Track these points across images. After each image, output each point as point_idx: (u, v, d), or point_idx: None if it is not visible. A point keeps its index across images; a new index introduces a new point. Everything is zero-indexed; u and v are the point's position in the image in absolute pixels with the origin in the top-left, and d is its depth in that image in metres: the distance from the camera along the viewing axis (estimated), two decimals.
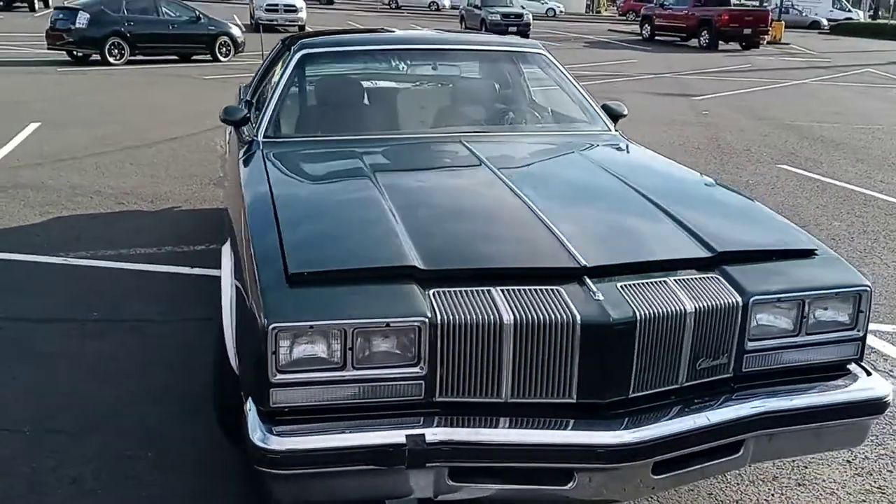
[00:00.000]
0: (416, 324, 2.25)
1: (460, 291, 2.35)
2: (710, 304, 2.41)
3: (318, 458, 2.22)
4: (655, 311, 2.34)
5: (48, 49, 17.46)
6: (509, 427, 2.29)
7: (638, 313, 2.31)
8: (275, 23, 25.94)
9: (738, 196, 3.31)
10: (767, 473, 3.11)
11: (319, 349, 2.25)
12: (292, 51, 4.18)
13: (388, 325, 2.25)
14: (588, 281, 2.41)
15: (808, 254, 2.71)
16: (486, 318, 2.27)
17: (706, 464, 2.45)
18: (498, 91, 4.47)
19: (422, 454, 2.23)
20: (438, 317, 2.26)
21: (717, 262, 2.58)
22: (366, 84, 4.46)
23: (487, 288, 2.36)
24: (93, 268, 5.17)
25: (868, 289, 2.58)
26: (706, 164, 8.71)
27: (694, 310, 2.38)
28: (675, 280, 2.48)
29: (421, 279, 2.38)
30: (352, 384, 2.28)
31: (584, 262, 2.45)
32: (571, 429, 2.30)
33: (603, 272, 2.46)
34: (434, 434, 2.24)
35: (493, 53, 4.60)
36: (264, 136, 3.76)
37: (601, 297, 2.35)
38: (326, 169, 3.53)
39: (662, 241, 2.71)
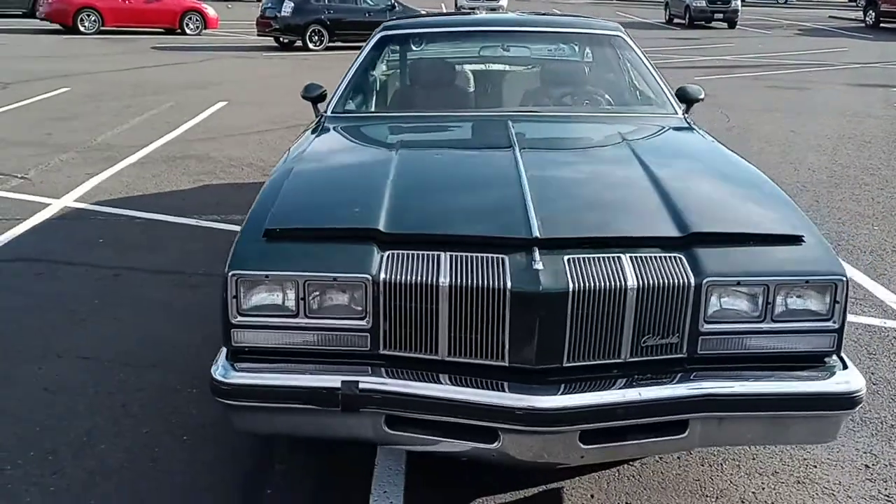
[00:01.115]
0: (361, 280, 2.45)
1: (411, 254, 2.51)
2: (657, 282, 2.41)
3: (263, 393, 2.49)
4: (592, 285, 2.38)
5: (257, 35, 18.99)
6: (441, 383, 2.43)
7: (571, 286, 2.37)
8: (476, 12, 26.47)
9: (761, 187, 3.12)
10: (768, 468, 3.02)
11: (276, 297, 2.51)
12: (374, 32, 4.47)
13: (335, 279, 2.47)
14: (536, 252, 2.49)
15: (794, 240, 2.61)
16: (424, 280, 2.42)
17: (645, 440, 2.46)
18: (564, 72, 4.51)
19: (354, 399, 2.42)
20: (382, 275, 2.44)
21: (687, 242, 2.56)
22: (436, 65, 4.65)
23: (437, 253, 2.51)
24: (217, 230, 5.75)
25: (843, 279, 2.46)
26: (866, 159, 8.11)
27: (636, 287, 2.40)
28: (631, 257, 2.49)
29: (382, 241, 2.57)
30: (304, 331, 2.52)
31: (536, 234, 2.53)
32: (496, 390, 2.40)
33: (556, 244, 2.53)
34: (367, 382, 2.43)
35: (568, 35, 4.64)
36: (332, 112, 4.08)
37: (540, 268, 2.43)
38: (359, 142, 3.77)
39: (638, 219, 2.72)
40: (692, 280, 2.43)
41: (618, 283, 2.40)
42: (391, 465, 2.97)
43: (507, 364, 2.44)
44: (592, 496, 2.84)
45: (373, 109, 4.22)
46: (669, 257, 2.52)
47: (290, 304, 2.50)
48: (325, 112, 4.09)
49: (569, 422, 2.36)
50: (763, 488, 2.91)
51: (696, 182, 3.12)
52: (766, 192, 3.00)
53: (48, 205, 6.28)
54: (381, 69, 4.53)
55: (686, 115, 4.10)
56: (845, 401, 2.46)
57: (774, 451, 3.10)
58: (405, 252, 2.53)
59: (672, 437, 2.48)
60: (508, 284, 2.38)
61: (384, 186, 2.89)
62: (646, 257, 2.51)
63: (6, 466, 2.96)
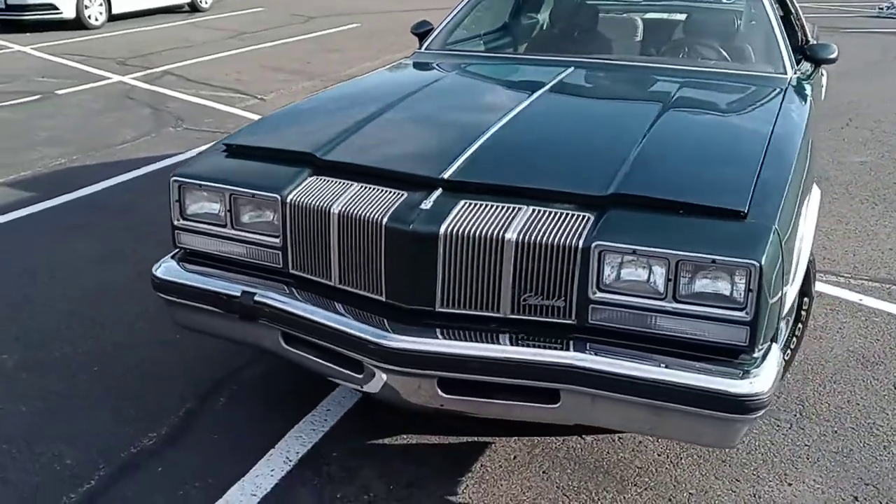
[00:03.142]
0: (272, 199, 2.57)
1: (324, 180, 2.59)
2: (540, 239, 2.25)
3: (182, 291, 2.72)
4: (467, 231, 2.29)
5: None
6: (321, 307, 2.49)
7: (442, 229, 2.30)
8: None
9: (751, 164, 2.58)
10: (750, 474, 2.68)
11: (211, 207, 2.71)
12: None
13: (253, 196, 2.61)
14: (435, 192, 2.44)
15: (731, 215, 2.27)
16: (320, 205, 2.49)
17: (512, 402, 2.34)
18: (689, 23, 4.13)
19: (249, 309, 2.57)
20: (290, 196, 2.55)
21: (609, 203, 2.35)
22: (538, 9, 4.48)
23: (348, 182, 2.56)
24: None
25: (755, 265, 2.10)
26: None
27: (516, 241, 2.26)
28: (534, 209, 2.35)
29: (317, 166, 2.67)
30: (231, 241, 2.70)
31: (442, 176, 2.48)
32: (362, 321, 2.40)
33: (464, 188, 2.46)
34: (261, 296, 2.56)
35: None
36: (425, 48, 4.16)
37: (426, 207, 2.38)
38: (401, 78, 3.75)
39: (572, 175, 2.52)
40: (580, 243, 2.23)
41: (496, 234, 2.28)
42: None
43: (384, 300, 2.44)
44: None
45: (467, 48, 4.17)
46: (576, 215, 2.33)
47: (221, 214, 2.69)
48: (419, 48, 4.18)
49: (416, 365, 2.31)
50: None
51: (684, 148, 2.76)
52: (748, 168, 2.54)
53: None
54: (483, 8, 4.48)
55: (801, 77, 3.60)
56: (736, 403, 2.13)
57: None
58: (324, 178, 2.60)
59: (543, 406, 2.32)
60: (385, 220, 2.36)
61: (368, 120, 2.96)
62: (548, 212, 2.34)
63: None
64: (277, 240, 2.61)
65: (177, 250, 2.81)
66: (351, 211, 2.43)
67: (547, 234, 2.26)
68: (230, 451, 2.76)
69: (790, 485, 2.63)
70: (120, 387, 3.14)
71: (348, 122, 2.93)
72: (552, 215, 2.33)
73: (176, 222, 2.77)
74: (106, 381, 3.17)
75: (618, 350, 2.26)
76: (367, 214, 2.40)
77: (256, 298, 2.56)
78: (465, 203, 2.40)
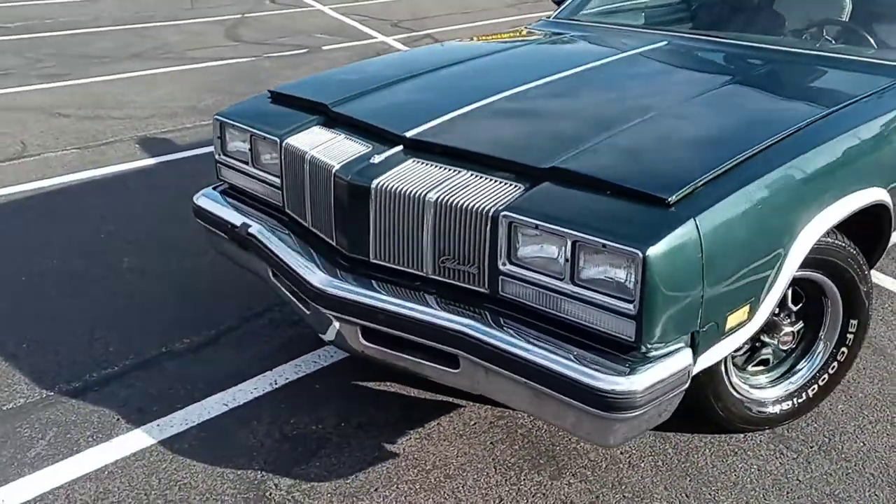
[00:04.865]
0: (273, 141, 2.80)
1: (325, 130, 2.77)
2: (457, 203, 2.25)
3: (207, 217, 3.04)
4: (396, 188, 2.34)
5: None
6: (286, 247, 2.68)
7: (375, 183, 2.38)
8: None
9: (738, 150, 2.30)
10: (709, 494, 2.47)
11: (240, 146, 3.00)
12: None
13: (263, 137, 2.85)
14: (394, 148, 2.52)
15: (654, 201, 2.08)
16: (299, 150, 2.67)
17: (419, 360, 2.37)
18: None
19: (243, 239, 2.84)
20: (287, 140, 2.76)
21: (544, 176, 2.28)
22: None
23: (337, 133, 2.71)
24: None
25: (637, 255, 1.93)
26: None
27: (435, 201, 2.28)
28: (469, 174, 2.35)
29: (329, 117, 2.85)
30: (251, 178, 2.97)
31: (405, 133, 2.54)
32: (307, 262, 2.55)
33: (423, 148, 2.51)
34: (254, 229, 2.80)
35: None
36: (554, 17, 4.11)
37: (374, 162, 2.46)
38: (513, 45, 3.73)
39: (530, 147, 2.43)
40: (491, 211, 2.20)
41: (420, 193, 2.31)
42: None
43: (334, 244, 2.57)
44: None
45: (596, 20, 4.02)
46: (507, 184, 2.30)
47: (246, 152, 2.98)
48: (550, 16, 4.14)
49: (332, 308, 2.42)
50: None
51: (678, 131, 2.50)
52: (715, 158, 2.25)
53: None
54: None
55: None
56: (599, 399, 1.98)
57: None
58: (324, 128, 2.79)
59: (444, 368, 2.33)
60: (334, 169, 2.49)
61: (397, 81, 3.07)
62: (482, 177, 2.33)
63: None
64: (278, 180, 2.84)
65: (218, 183, 3.15)
66: (316, 157, 2.59)
67: (465, 199, 2.25)
68: (235, 367, 3.07)
69: None
70: (185, 297, 3.58)
71: (379, 81, 3.06)
72: (483, 181, 2.31)
73: (217, 157, 3.10)
74: (178, 289, 3.65)
75: (517, 326, 2.20)
76: (325, 162, 2.54)
77: (249, 230, 2.82)
78: (412, 161, 2.45)
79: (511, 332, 2.17)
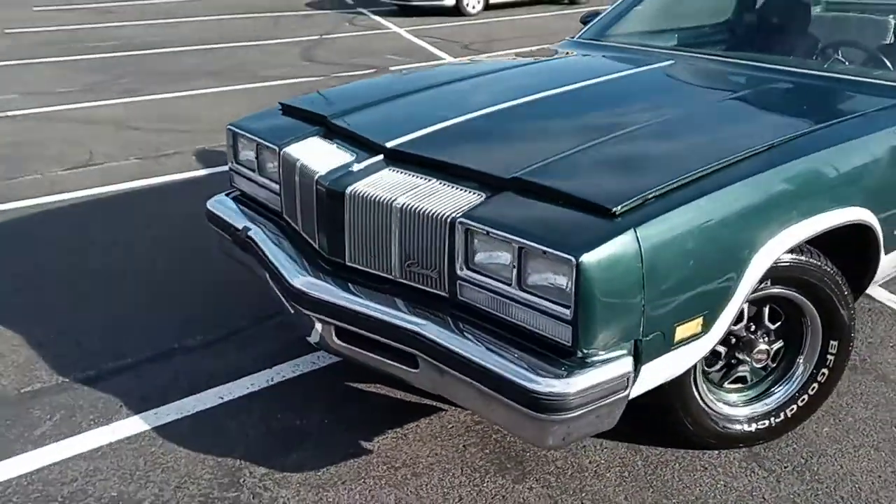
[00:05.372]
0: (273, 149, 2.96)
1: (322, 140, 2.92)
2: (419, 208, 2.36)
3: (216, 220, 3.23)
4: (367, 194, 2.47)
5: None
6: (275, 248, 2.83)
7: (349, 189, 2.51)
8: None
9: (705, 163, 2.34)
10: None
11: (249, 154, 3.18)
12: None
13: (266, 146, 3.03)
14: (375, 157, 2.65)
15: (601, 211, 2.15)
16: (293, 158, 2.82)
17: (384, 359, 2.47)
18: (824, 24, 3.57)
19: (243, 241, 3.00)
20: (284, 149, 2.91)
21: (506, 185, 2.37)
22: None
23: (332, 143, 2.87)
24: None
25: (572, 260, 2.00)
26: None
27: (401, 207, 2.39)
28: (438, 183, 2.47)
29: (329, 127, 3.00)
30: (258, 186, 3.15)
31: (386, 144, 2.67)
32: (291, 264, 2.70)
33: (400, 157, 2.63)
34: (251, 231, 2.97)
35: None
36: (578, 37, 4.18)
37: (353, 169, 2.60)
38: (521, 63, 3.80)
39: (500, 159, 2.51)
40: (449, 217, 2.30)
41: (388, 199, 2.43)
42: None
43: (316, 247, 2.71)
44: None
45: (606, 39, 4.07)
46: (471, 192, 2.40)
47: (252, 161, 3.16)
48: (573, 37, 4.22)
49: (306, 306, 2.56)
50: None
51: (645, 146, 2.54)
52: (672, 171, 2.30)
53: None
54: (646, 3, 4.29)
55: None
56: (529, 399, 2.05)
57: None
58: (322, 139, 2.94)
59: (406, 368, 2.42)
60: (317, 175, 2.64)
61: (399, 96, 3.22)
62: (449, 186, 2.44)
63: None
64: (277, 186, 3.01)
65: (231, 190, 3.34)
66: (304, 165, 2.74)
67: (429, 205, 2.36)
68: (238, 364, 3.23)
69: None
70: (207, 298, 3.79)
71: (383, 96, 3.20)
72: (451, 189, 2.41)
73: (230, 165, 3.30)
74: (202, 291, 3.86)
75: (471, 329, 2.28)
76: (311, 169, 2.69)
77: (249, 233, 2.99)
78: (389, 170, 2.58)
79: (462, 334, 2.26)
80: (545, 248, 2.07)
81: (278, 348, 3.34)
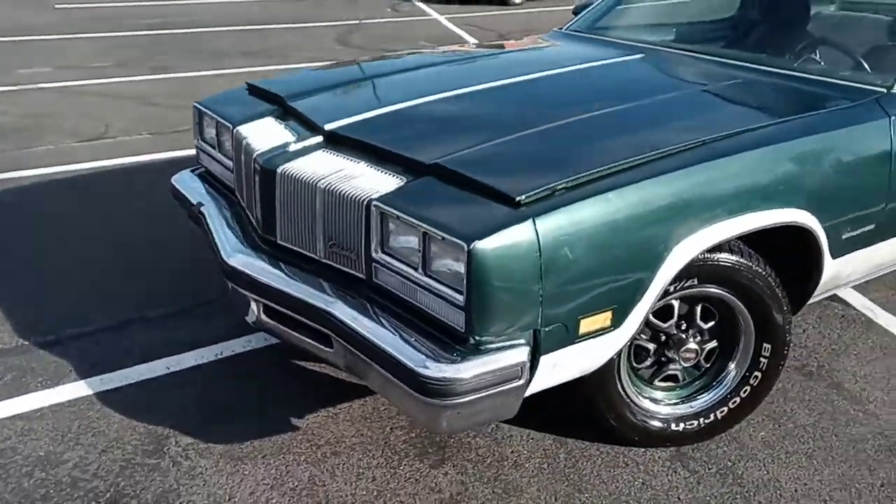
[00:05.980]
0: (228, 127, 3.02)
1: (274, 120, 2.96)
2: (339, 190, 2.38)
3: (178, 195, 3.29)
4: (296, 173, 2.51)
5: None
6: (218, 223, 2.88)
7: (279, 169, 2.54)
8: None
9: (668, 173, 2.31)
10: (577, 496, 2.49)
11: (210, 133, 3.24)
12: None
13: (225, 126, 3.07)
14: (314, 138, 2.69)
15: (507, 200, 2.14)
16: (242, 136, 2.87)
17: (303, 337, 2.50)
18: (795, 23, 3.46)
19: (196, 216, 3.07)
20: (238, 128, 2.95)
21: (427, 171, 2.38)
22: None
23: (282, 123, 2.90)
24: None
25: (464, 246, 2.00)
26: None
27: (324, 188, 2.42)
28: (364, 165, 2.49)
29: (285, 108, 3.04)
30: (217, 162, 3.21)
31: (325, 126, 2.70)
32: (229, 238, 2.75)
33: (336, 140, 2.67)
34: (203, 207, 3.03)
35: None
36: (567, 28, 4.15)
37: (290, 149, 2.64)
38: (493, 53, 3.78)
39: (428, 145, 2.50)
40: (365, 200, 2.32)
41: (312, 180, 2.46)
42: None
43: (255, 222, 2.76)
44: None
45: (601, 33, 4.02)
46: (392, 176, 2.41)
47: (214, 139, 3.22)
48: (560, 28, 4.18)
49: (234, 280, 2.60)
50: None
51: (585, 136, 2.51)
52: (590, 163, 2.28)
53: None
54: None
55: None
56: (417, 382, 2.05)
57: None
58: (277, 119, 2.97)
59: (322, 347, 2.45)
60: (258, 152, 2.68)
61: (358, 80, 3.28)
62: (373, 168, 2.47)
63: None
64: (231, 163, 3.06)
65: (196, 166, 3.41)
66: (249, 142, 2.78)
67: (349, 188, 2.38)
68: (193, 336, 3.30)
69: None
70: (184, 271, 3.87)
71: (344, 80, 3.23)
72: (376, 172, 2.44)
73: (195, 142, 3.36)
74: (181, 263, 3.94)
75: (379, 312, 2.30)
76: (252, 147, 2.73)
77: (201, 209, 3.05)
78: (322, 151, 2.61)
79: (373, 317, 2.28)
80: (443, 235, 2.08)
81: (235, 324, 3.39)
